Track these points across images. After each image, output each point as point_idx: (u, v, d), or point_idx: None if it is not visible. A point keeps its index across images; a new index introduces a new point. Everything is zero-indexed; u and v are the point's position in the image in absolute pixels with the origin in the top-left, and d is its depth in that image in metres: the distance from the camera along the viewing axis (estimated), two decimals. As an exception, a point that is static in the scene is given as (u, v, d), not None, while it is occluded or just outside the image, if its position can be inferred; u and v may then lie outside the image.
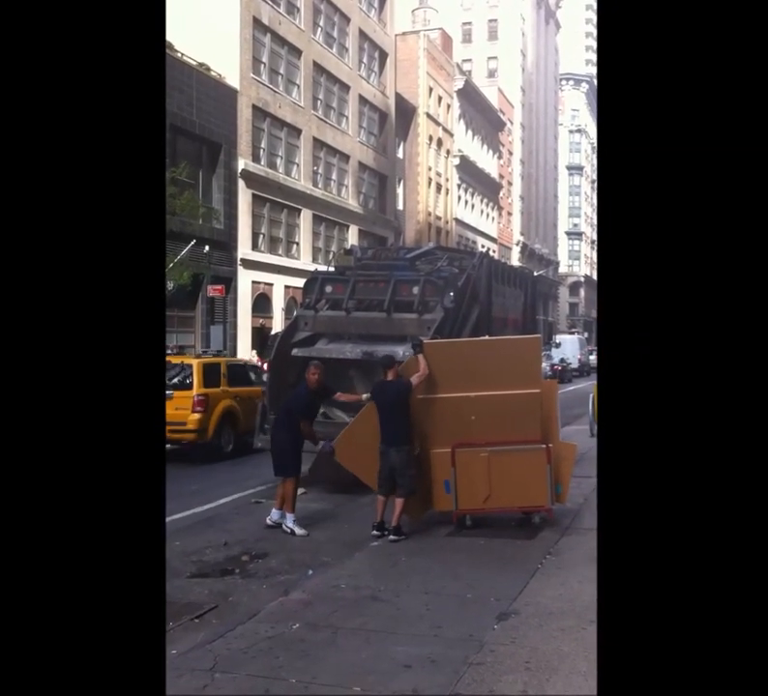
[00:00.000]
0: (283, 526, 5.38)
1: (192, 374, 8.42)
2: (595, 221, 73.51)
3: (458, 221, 34.46)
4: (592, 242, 66.85)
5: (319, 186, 22.29)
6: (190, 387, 8.34)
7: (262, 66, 19.64)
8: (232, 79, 18.26)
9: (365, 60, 25.46)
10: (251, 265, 18.93)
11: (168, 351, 9.35)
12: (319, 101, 22.36)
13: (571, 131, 62.23)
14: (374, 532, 5.11)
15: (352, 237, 23.85)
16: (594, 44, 77.95)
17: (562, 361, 24.52)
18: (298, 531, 5.33)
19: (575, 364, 26.60)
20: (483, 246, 32.97)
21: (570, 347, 27.59)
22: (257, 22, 19.15)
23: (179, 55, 16.00)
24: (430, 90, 30.64)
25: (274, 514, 5.51)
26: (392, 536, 5.05)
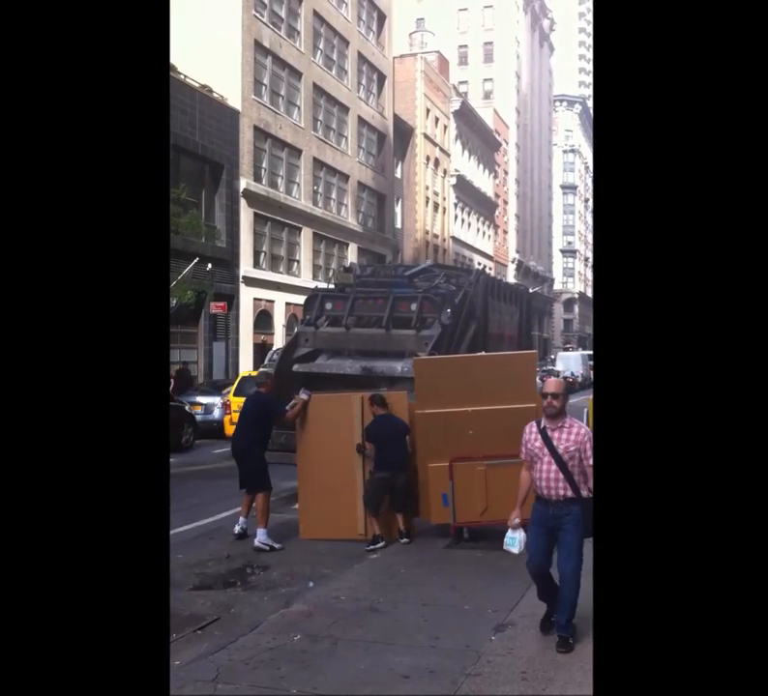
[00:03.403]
0: (257, 543, 5.29)
1: None
2: (588, 239, 73.72)
3: (455, 239, 34.80)
4: (586, 259, 67.26)
5: (319, 205, 22.59)
6: None
7: (263, 88, 20.06)
8: (234, 101, 18.63)
9: (363, 82, 25.99)
10: (252, 282, 19.11)
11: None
12: (319, 122, 22.77)
13: (564, 152, 63.12)
14: (372, 546, 5.27)
15: (351, 255, 24.09)
16: (587, 67, 78.99)
17: (572, 374, 27.52)
18: (275, 545, 5.33)
19: (579, 379, 28.55)
20: (479, 264, 33.26)
21: (573, 363, 29.51)
22: (259, 45, 19.61)
23: (182, 77, 16.35)
24: (428, 111, 31.19)
25: (242, 522, 5.59)
26: (405, 539, 5.42)
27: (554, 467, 3.34)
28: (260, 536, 5.33)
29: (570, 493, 3.33)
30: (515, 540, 3.49)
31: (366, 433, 5.46)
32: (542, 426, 3.42)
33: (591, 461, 3.28)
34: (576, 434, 3.35)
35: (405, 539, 5.43)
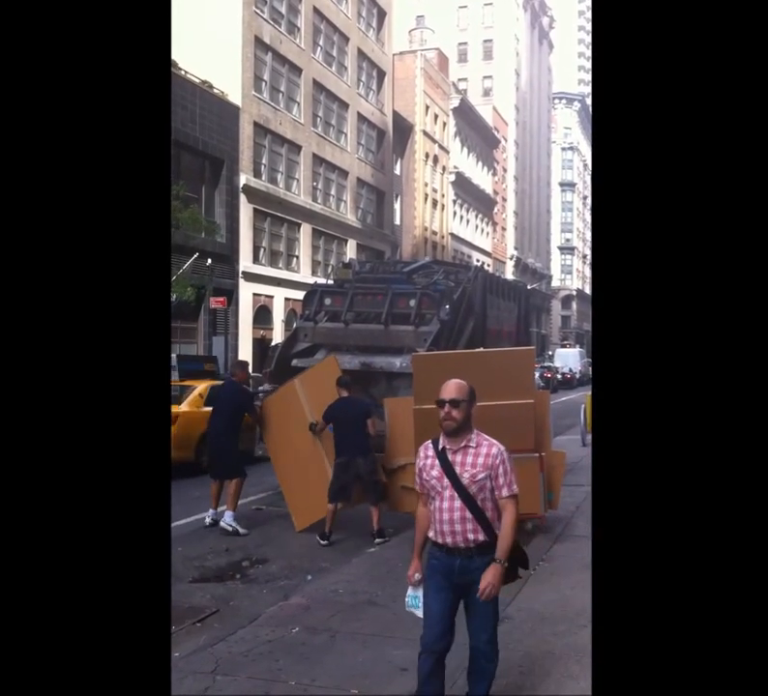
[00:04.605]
0: (222, 524, 5.51)
1: None
2: (587, 236, 73.80)
3: (454, 236, 34.81)
4: (584, 256, 67.34)
5: (319, 201, 22.58)
6: None
7: (263, 83, 20.02)
8: (234, 97, 18.60)
9: (363, 78, 25.94)
10: (252, 277, 19.12)
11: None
12: (319, 119, 22.74)
13: (563, 149, 63.14)
14: (323, 541, 5.27)
15: (350, 251, 24.09)
16: (586, 65, 79.02)
17: (570, 370, 28.72)
18: (240, 529, 5.50)
19: (577, 375, 29.56)
20: (477, 261, 33.31)
21: (571, 359, 30.39)
22: (259, 41, 19.56)
23: (183, 73, 16.32)
24: (427, 108, 31.15)
25: (211, 514, 5.76)
26: (379, 540, 5.30)
27: (458, 503, 2.43)
28: (227, 518, 5.53)
29: (481, 537, 2.43)
30: (418, 599, 2.58)
31: (325, 413, 5.49)
32: (440, 447, 2.55)
33: (504, 491, 2.44)
34: (484, 455, 2.47)
35: (380, 539, 5.27)
